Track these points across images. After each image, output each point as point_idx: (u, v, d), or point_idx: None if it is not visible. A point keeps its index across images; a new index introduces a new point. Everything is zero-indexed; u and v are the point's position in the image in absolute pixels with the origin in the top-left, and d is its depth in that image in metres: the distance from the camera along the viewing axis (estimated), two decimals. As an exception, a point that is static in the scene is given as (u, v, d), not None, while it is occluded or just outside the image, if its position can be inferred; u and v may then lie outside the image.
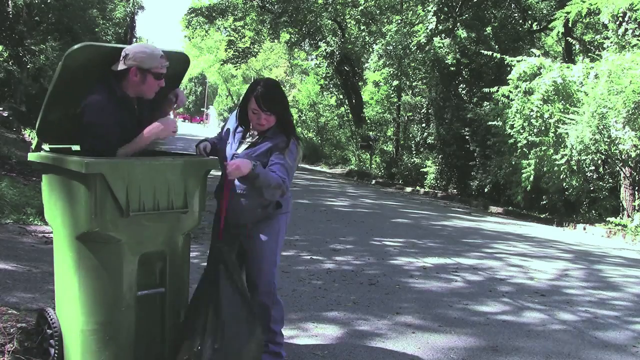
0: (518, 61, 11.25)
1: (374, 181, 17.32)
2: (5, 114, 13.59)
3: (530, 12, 15.71)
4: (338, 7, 19.88)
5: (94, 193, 2.34)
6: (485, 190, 13.34)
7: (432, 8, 15.30)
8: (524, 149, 10.81)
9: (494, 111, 12.06)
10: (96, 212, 2.35)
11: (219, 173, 2.85)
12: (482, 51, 13.04)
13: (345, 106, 22.31)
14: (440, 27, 15.27)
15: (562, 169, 10.24)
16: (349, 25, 21.05)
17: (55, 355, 2.59)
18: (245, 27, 23.24)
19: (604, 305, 4.78)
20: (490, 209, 12.62)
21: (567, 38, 14.15)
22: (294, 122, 3.03)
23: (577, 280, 5.72)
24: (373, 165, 18.84)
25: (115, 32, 21.72)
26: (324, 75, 21.89)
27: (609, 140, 9.79)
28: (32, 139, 11.57)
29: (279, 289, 4.48)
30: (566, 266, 6.39)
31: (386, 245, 6.82)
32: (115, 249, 2.43)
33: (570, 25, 11.81)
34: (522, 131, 10.91)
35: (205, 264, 2.74)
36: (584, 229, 10.32)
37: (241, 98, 2.89)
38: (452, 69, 14.63)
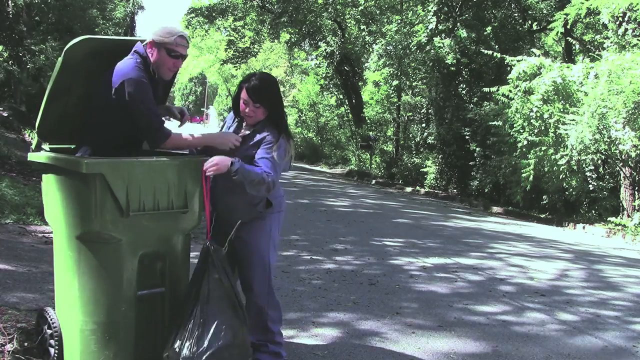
0: (518, 61, 11.24)
1: (374, 181, 17.32)
2: (5, 114, 13.59)
3: (530, 12, 15.70)
4: (338, 7, 19.87)
5: (94, 193, 2.35)
6: (486, 190, 13.34)
7: (432, 8, 15.30)
8: (524, 149, 10.81)
9: (494, 111, 12.06)
10: (96, 212, 2.36)
11: None
12: (483, 50, 13.04)
13: (345, 106, 22.31)
14: (440, 27, 15.26)
15: (562, 169, 10.24)
16: (349, 25, 21.04)
17: (55, 355, 2.59)
18: (245, 27, 23.23)
19: (604, 305, 4.78)
20: (491, 209, 12.62)
21: (567, 38, 14.15)
22: (288, 120, 3.02)
23: (577, 280, 5.71)
24: (373, 165, 18.84)
25: (115, 32, 21.69)
26: (324, 75, 21.88)
27: (609, 140, 9.79)
28: (32, 139, 11.56)
29: (279, 289, 4.48)
30: (566, 266, 6.39)
31: (386, 245, 6.82)
32: (115, 249, 2.43)
33: (570, 25, 11.80)
34: (521, 131, 10.91)
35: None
36: (583, 228, 10.32)
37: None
38: (452, 69, 14.63)
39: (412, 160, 17.01)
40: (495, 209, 12.58)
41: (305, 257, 5.76)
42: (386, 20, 18.45)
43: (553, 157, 10.34)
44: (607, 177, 11.49)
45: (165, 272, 2.60)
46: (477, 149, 13.77)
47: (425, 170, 16.09)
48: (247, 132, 2.87)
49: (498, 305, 4.53)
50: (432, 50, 15.10)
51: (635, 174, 10.46)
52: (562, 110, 10.37)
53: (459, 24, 14.89)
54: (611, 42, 10.97)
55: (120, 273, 2.44)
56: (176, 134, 2.69)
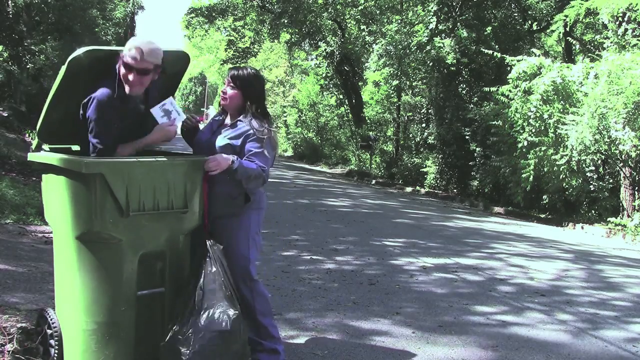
0: (518, 61, 11.25)
1: (374, 181, 17.32)
2: (5, 114, 13.59)
3: (530, 12, 15.70)
4: (338, 7, 19.87)
5: (94, 193, 2.35)
6: (486, 190, 13.34)
7: (432, 8, 15.30)
8: (524, 149, 10.81)
9: (494, 111, 12.06)
10: (96, 212, 2.36)
11: None
12: (483, 50, 13.04)
13: (345, 106, 22.31)
14: (441, 27, 15.27)
15: (562, 169, 10.24)
16: (349, 25, 21.04)
17: (55, 355, 2.59)
18: (245, 27, 23.24)
19: (604, 305, 4.78)
20: (491, 209, 12.62)
21: (567, 38, 14.15)
22: (270, 113, 3.09)
23: (578, 280, 5.71)
24: (373, 165, 18.83)
25: (115, 32, 21.74)
26: (324, 75, 21.88)
27: (609, 140, 9.79)
28: (32, 139, 11.57)
29: (279, 289, 4.50)
30: (566, 266, 6.38)
31: (386, 245, 6.82)
32: (115, 249, 2.43)
33: (569, 26, 11.79)
34: (521, 131, 10.91)
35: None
36: (582, 228, 10.32)
37: None
38: (452, 69, 14.63)
39: (412, 160, 17.01)
40: (496, 209, 12.58)
41: (305, 257, 5.77)
42: (386, 20, 18.45)
43: (553, 157, 10.34)
44: (607, 177, 11.48)
45: (165, 272, 2.60)
46: (477, 149, 13.77)
47: (425, 170, 16.09)
48: (229, 122, 2.93)
49: (498, 306, 4.53)
50: (432, 50, 15.09)
51: (635, 174, 10.46)
52: (561, 110, 10.37)
53: (459, 24, 14.90)
54: (611, 42, 10.97)
55: (120, 273, 2.44)
56: (122, 147, 2.70)
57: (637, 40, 10.29)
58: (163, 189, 2.52)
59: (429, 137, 16.43)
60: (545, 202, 11.88)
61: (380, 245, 6.74)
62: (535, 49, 12.64)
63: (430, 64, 15.49)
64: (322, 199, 11.07)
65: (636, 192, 10.35)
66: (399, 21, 16.89)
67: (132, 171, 2.43)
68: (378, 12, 18.78)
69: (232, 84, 2.87)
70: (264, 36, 23.49)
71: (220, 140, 2.83)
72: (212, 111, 67.66)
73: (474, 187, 13.94)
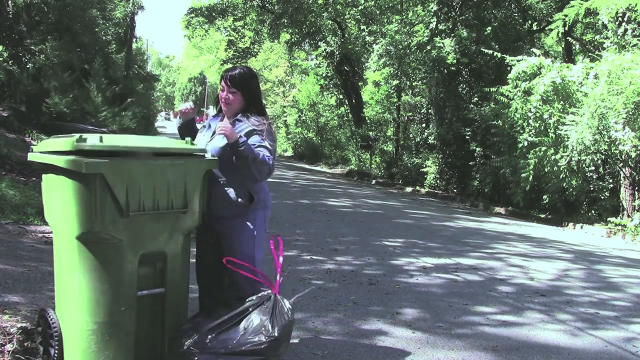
0: (518, 61, 11.25)
1: (374, 181, 17.32)
2: (5, 114, 13.56)
3: (530, 12, 15.71)
4: (338, 7, 19.88)
5: (94, 193, 2.34)
6: (486, 190, 13.34)
7: (432, 8, 15.30)
8: (524, 149, 10.81)
9: (494, 111, 12.07)
10: (96, 212, 2.35)
11: None
12: (483, 50, 13.04)
13: (345, 106, 22.31)
14: (441, 27, 15.27)
15: (562, 169, 10.24)
16: (349, 25, 21.06)
17: (55, 355, 2.59)
18: (245, 27, 23.25)
19: (604, 305, 4.78)
20: (491, 209, 12.62)
21: (567, 38, 14.15)
22: (268, 111, 3.13)
23: (578, 280, 5.71)
24: (373, 165, 18.84)
25: (115, 32, 21.70)
26: (324, 75, 21.89)
27: (609, 140, 9.79)
28: (32, 139, 11.55)
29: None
30: (566, 266, 6.39)
31: (386, 245, 6.82)
32: (115, 249, 2.43)
33: (569, 26, 11.79)
34: (521, 131, 10.92)
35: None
36: (582, 228, 10.32)
37: None
38: (452, 69, 14.63)
39: (412, 160, 17.01)
40: (496, 209, 12.58)
41: (305, 257, 5.77)
42: (386, 20, 18.46)
43: (553, 157, 10.34)
44: (607, 177, 11.49)
45: (165, 272, 2.60)
46: (477, 149, 13.78)
47: (425, 170, 16.09)
48: (229, 122, 2.94)
49: (498, 306, 4.53)
50: (432, 50, 15.10)
51: (635, 174, 10.46)
52: (561, 110, 10.37)
53: (459, 24, 14.90)
54: (611, 42, 10.97)
55: (120, 273, 2.44)
56: None
57: (637, 40, 10.29)
58: (163, 188, 2.52)
59: (429, 137, 16.44)
60: (545, 202, 11.88)
61: (380, 245, 6.74)
62: (535, 49, 12.65)
63: (430, 64, 15.50)
64: (322, 199, 11.07)
65: (636, 192, 10.36)
66: (399, 21, 16.90)
67: (132, 171, 2.43)
68: (378, 12, 18.79)
69: (232, 90, 2.90)
70: (264, 36, 23.50)
71: (220, 141, 2.84)
72: (212, 111, 67.64)
73: (474, 187, 13.95)
